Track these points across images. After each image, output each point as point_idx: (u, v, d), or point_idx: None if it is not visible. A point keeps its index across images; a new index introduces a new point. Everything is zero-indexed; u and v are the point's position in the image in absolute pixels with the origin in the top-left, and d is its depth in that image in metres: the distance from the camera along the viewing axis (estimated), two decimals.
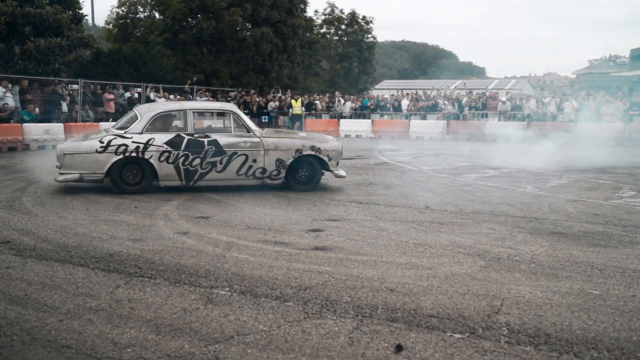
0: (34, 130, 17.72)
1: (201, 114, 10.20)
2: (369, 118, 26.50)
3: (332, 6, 44.53)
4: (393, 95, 30.27)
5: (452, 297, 4.22)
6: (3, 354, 3.24)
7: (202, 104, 14.07)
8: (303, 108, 26.61)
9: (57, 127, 18.49)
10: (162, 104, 11.23)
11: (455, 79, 58.83)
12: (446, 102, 26.20)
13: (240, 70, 33.47)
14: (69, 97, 20.39)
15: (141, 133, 8.94)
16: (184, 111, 9.33)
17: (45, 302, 4.06)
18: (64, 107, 20.08)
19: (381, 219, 7.18)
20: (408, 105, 26.56)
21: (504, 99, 25.30)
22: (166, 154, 8.90)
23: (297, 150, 9.37)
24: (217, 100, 26.83)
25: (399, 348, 3.36)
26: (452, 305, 4.06)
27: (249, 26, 33.94)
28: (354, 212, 7.63)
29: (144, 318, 3.80)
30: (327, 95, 30.12)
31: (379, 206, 8.10)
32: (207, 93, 26.66)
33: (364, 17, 45.01)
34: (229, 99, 27.24)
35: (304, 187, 9.44)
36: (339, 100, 28.04)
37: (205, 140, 9.05)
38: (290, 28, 35.42)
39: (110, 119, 20.81)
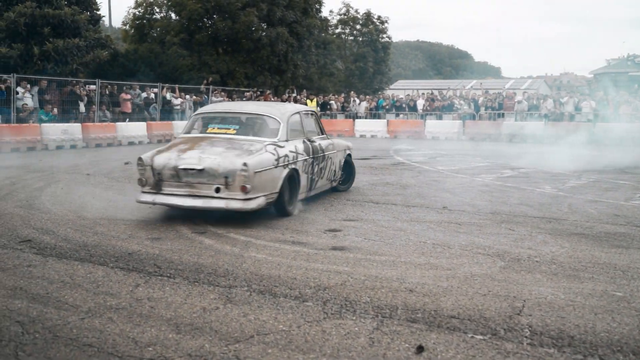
0: (52, 130, 17.89)
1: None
2: (384, 118, 26.44)
3: (347, 6, 44.53)
4: (408, 95, 30.18)
5: (472, 298, 4.18)
6: (26, 351, 3.26)
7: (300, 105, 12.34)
8: (318, 108, 26.61)
9: (74, 127, 18.68)
10: (286, 105, 10.15)
11: (470, 79, 58.48)
12: (462, 102, 26.06)
13: (256, 70, 33.54)
14: (86, 98, 20.57)
15: (287, 140, 7.45)
16: (299, 113, 8.18)
17: (67, 301, 4.09)
18: (82, 107, 20.27)
19: (398, 219, 7.15)
20: (424, 105, 26.46)
21: (520, 98, 25.11)
22: (305, 163, 7.67)
23: (344, 150, 9.25)
24: (233, 100, 26.92)
25: (420, 349, 3.33)
26: (473, 306, 4.02)
27: (265, 26, 34.00)
28: (371, 212, 7.60)
29: (164, 317, 3.80)
30: (342, 95, 30.08)
31: (396, 206, 8.06)
32: (222, 93, 26.74)
33: (379, 17, 44.94)
34: (244, 99, 27.30)
35: (344, 186, 9.36)
36: (354, 100, 28.01)
37: (317, 144, 8.17)
38: (305, 28, 35.43)
39: (127, 119, 20.98)
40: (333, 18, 44.51)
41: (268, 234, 6.28)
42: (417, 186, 10.00)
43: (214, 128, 7.62)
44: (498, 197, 8.87)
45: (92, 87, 21.05)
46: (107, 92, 21.58)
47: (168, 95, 23.29)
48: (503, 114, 24.67)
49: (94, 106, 20.61)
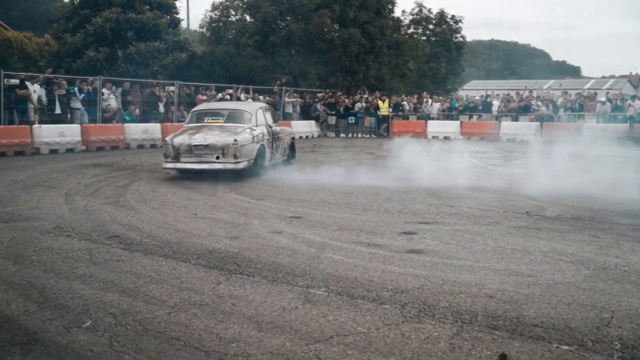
0: (134, 130, 18.68)
1: None
2: (457, 119, 25.96)
3: (420, 6, 43.96)
4: (482, 95, 29.51)
5: (556, 307, 4.06)
6: (120, 342, 3.44)
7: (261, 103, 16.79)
8: (390, 109, 26.47)
9: (155, 127, 19.41)
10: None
11: (547, 79, 56.46)
12: (539, 103, 25.23)
13: (328, 71, 33.71)
14: (165, 99, 21.34)
15: (257, 125, 11.53)
16: (262, 108, 12.39)
17: (154, 295, 4.27)
18: (161, 107, 21.03)
19: (475, 223, 7.02)
20: (499, 106, 25.81)
21: (603, 99, 24.02)
22: (268, 141, 11.81)
23: (290, 135, 13.71)
24: (305, 100, 27.20)
25: (503, 357, 3.27)
26: (557, 315, 3.90)
27: (337, 27, 34.11)
28: (446, 216, 7.50)
29: (246, 315, 3.91)
30: (415, 96, 29.76)
31: (472, 210, 7.92)
32: (294, 94, 27.07)
33: (452, 17, 44.13)
34: (316, 99, 27.52)
35: (291, 161, 13.64)
36: (427, 101, 27.67)
37: (274, 129, 12.48)
38: (377, 29, 35.29)
39: None
40: (405, 18, 44.09)
41: (343, 235, 6.32)
42: (494, 190, 9.77)
43: (208, 119, 11.46)
44: (580, 202, 8.54)
45: (172, 88, 21.81)
46: (185, 93, 22.30)
47: (242, 96, 23.79)
48: (584, 116, 23.69)
49: (172, 107, 21.35)
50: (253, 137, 10.85)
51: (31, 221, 6.86)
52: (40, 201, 8.23)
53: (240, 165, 10.38)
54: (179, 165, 10.45)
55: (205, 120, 11.40)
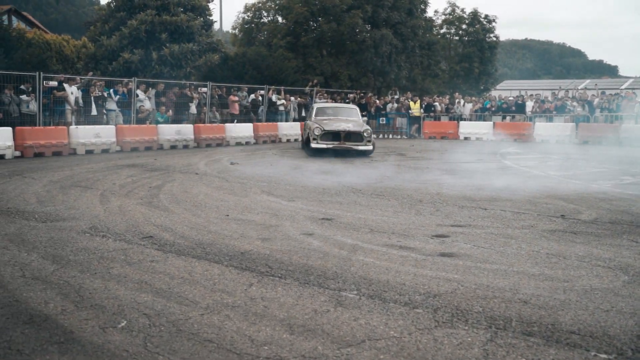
0: (166, 130, 18.93)
1: None
2: (490, 120, 25.63)
3: (453, 5, 43.57)
4: (516, 96, 29.07)
5: (593, 314, 3.97)
6: (154, 342, 3.48)
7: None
8: (422, 110, 26.29)
9: (187, 128, 19.63)
10: None
11: (583, 79, 55.30)
12: (575, 103, 24.74)
13: (359, 72, 33.66)
14: (197, 100, 21.57)
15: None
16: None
17: (187, 296, 4.31)
18: (193, 108, 21.25)
19: (509, 227, 6.92)
20: (533, 107, 25.40)
21: None
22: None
23: None
24: (336, 101, 27.20)
25: None
26: (595, 322, 3.82)
27: (369, 28, 34.05)
28: (479, 219, 7.41)
29: (278, 317, 3.92)
30: (447, 96, 29.50)
31: (505, 212, 7.81)
32: (326, 95, 27.09)
33: (486, 16, 43.61)
34: (347, 100, 27.49)
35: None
36: (459, 102, 27.39)
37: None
38: (410, 29, 35.10)
39: (235, 120, 21.78)
40: (438, 18, 43.78)
41: (375, 237, 6.29)
42: (528, 192, 9.62)
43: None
44: (617, 205, 8.36)
45: (204, 89, 22.05)
46: (217, 94, 22.50)
47: (274, 98, 23.91)
48: (621, 117, 23.13)
49: (204, 107, 21.56)
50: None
51: (68, 221, 7.01)
52: (76, 201, 8.41)
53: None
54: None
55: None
